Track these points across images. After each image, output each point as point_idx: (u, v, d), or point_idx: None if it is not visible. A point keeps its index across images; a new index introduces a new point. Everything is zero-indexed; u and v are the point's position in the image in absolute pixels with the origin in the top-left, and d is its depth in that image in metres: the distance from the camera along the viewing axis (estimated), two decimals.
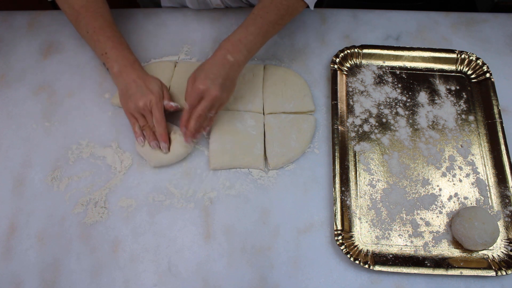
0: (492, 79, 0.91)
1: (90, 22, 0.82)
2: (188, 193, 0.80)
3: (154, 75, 0.90)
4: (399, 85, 0.92)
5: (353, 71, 0.93)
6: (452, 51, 0.94)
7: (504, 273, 0.72)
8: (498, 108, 0.88)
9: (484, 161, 0.84)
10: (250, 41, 0.78)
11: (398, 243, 0.76)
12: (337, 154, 0.82)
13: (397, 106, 0.89)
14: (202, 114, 0.76)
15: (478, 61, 0.93)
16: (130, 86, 0.79)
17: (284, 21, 0.82)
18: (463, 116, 0.89)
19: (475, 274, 0.72)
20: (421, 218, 0.78)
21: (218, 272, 0.74)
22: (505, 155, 0.83)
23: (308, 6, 0.83)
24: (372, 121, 0.87)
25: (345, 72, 0.93)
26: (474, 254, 0.75)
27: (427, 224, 0.78)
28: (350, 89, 0.91)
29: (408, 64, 0.94)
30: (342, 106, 0.88)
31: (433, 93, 0.91)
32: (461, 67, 0.94)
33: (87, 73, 0.93)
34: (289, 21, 0.84)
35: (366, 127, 0.87)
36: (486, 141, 0.86)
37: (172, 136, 0.81)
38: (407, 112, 0.89)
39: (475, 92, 0.91)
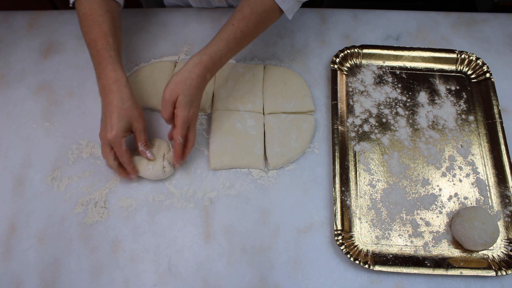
0: (492, 79, 0.91)
1: (86, 32, 0.78)
2: (188, 193, 0.80)
3: (154, 75, 0.90)
4: (399, 85, 0.92)
5: (353, 71, 0.93)
6: (452, 51, 0.94)
7: (504, 273, 0.72)
8: (498, 108, 0.88)
9: (484, 161, 0.84)
10: (227, 57, 0.78)
11: (398, 243, 0.76)
12: (337, 154, 0.82)
13: (397, 106, 0.89)
14: (181, 140, 0.76)
15: (478, 61, 0.93)
16: (103, 110, 0.75)
17: (259, 32, 0.81)
18: (463, 116, 0.89)
19: (475, 274, 0.72)
20: (421, 218, 0.78)
21: (218, 272, 0.74)
22: (505, 155, 0.83)
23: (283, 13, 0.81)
24: (372, 121, 0.87)
25: (345, 72, 0.93)
26: (474, 254, 0.75)
27: (427, 224, 0.78)
28: (350, 89, 0.91)
29: (408, 64, 0.94)
30: (342, 106, 0.88)
31: (433, 93, 0.91)
32: (461, 67, 0.94)
33: (87, 73, 0.93)
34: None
35: (366, 127, 0.87)
36: (486, 141, 0.86)
37: (160, 154, 0.80)
38: (407, 112, 0.89)
39: (475, 92, 0.91)
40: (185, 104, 0.73)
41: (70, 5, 0.81)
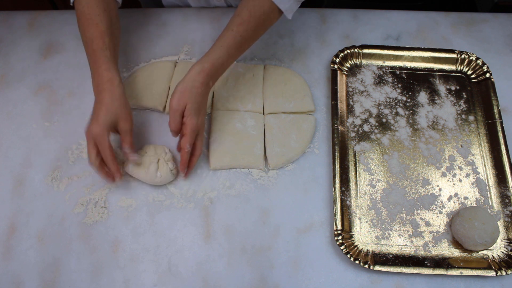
0: (492, 79, 0.91)
1: (84, 31, 0.78)
2: (188, 193, 0.80)
3: (154, 75, 0.90)
4: (399, 85, 0.92)
5: (353, 71, 0.93)
6: (452, 51, 0.94)
7: (504, 273, 0.72)
8: (498, 108, 0.88)
9: (484, 161, 0.84)
10: (229, 63, 0.78)
11: (398, 243, 0.76)
12: (337, 154, 0.82)
13: (397, 106, 0.89)
14: (190, 148, 0.76)
15: (478, 61, 0.93)
16: (93, 108, 0.75)
17: (259, 35, 0.81)
18: (463, 116, 0.89)
19: (475, 274, 0.72)
20: (421, 218, 0.78)
21: (218, 272, 0.74)
22: (505, 155, 0.83)
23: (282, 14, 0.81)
24: (372, 121, 0.87)
25: (345, 72, 0.93)
26: (474, 254, 0.75)
27: (427, 224, 0.78)
28: (350, 89, 0.91)
29: (408, 64, 0.94)
30: (342, 106, 0.88)
31: (433, 93, 0.91)
32: (461, 67, 0.94)
33: (87, 73, 0.91)
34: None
35: (366, 127, 0.87)
36: (486, 141, 0.86)
37: (161, 160, 0.80)
38: (407, 112, 0.89)
39: (475, 92, 0.91)
40: (193, 113, 0.73)
41: (71, 4, 0.81)
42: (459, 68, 0.94)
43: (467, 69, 0.94)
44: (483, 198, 0.80)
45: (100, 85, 0.75)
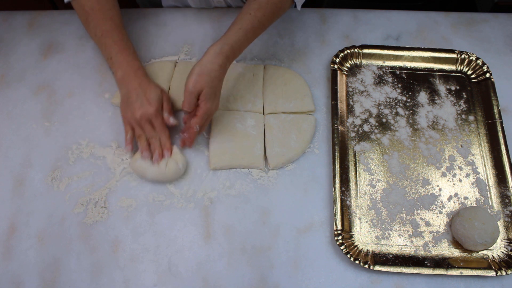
0: (492, 79, 0.91)
1: (98, 24, 0.81)
2: (188, 193, 0.80)
3: (154, 75, 0.90)
4: (399, 85, 0.92)
5: (353, 71, 0.93)
6: (452, 51, 0.94)
7: (504, 273, 0.72)
8: (498, 108, 0.88)
9: (484, 161, 0.84)
10: (245, 46, 0.78)
11: (398, 243, 0.76)
12: (337, 154, 0.82)
13: (397, 106, 0.89)
14: (198, 129, 0.77)
15: (478, 61, 0.93)
16: (130, 94, 0.78)
17: (273, 21, 0.82)
18: (463, 116, 0.89)
19: (475, 274, 0.72)
20: (421, 218, 0.78)
21: (218, 272, 0.74)
22: (505, 155, 0.83)
23: (295, 6, 0.83)
24: (372, 121, 0.87)
25: (345, 72, 0.93)
26: (474, 254, 0.75)
27: (427, 224, 0.78)
28: (350, 89, 0.91)
29: (408, 64, 0.94)
30: (342, 106, 0.88)
31: (433, 93, 0.91)
32: (461, 67, 0.94)
33: (87, 73, 0.93)
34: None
35: (366, 127, 0.87)
36: (486, 141, 0.86)
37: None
38: (407, 112, 0.89)
39: (475, 92, 0.91)
40: (209, 97, 0.74)
41: (65, 2, 0.82)
42: (459, 68, 0.94)
43: (467, 69, 0.94)
44: (483, 198, 0.80)
45: (131, 73, 0.79)
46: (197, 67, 0.73)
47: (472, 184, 0.82)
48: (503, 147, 0.84)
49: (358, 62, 0.94)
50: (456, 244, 0.76)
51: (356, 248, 0.75)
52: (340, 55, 0.92)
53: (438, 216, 0.79)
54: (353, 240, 0.76)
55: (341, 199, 0.78)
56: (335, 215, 0.76)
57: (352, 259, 0.72)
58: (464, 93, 0.91)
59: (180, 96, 0.87)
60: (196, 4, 1.00)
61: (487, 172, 0.83)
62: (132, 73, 0.79)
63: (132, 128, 0.79)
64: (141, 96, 0.78)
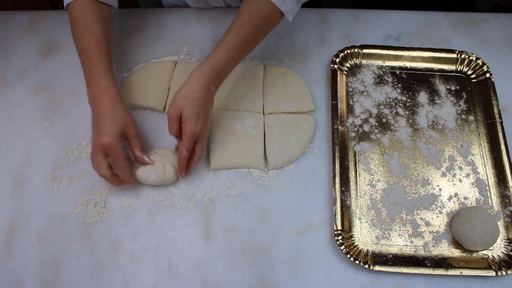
0: (492, 79, 0.91)
1: (79, 38, 0.77)
2: (188, 193, 0.80)
3: (154, 75, 0.90)
4: (399, 85, 0.92)
5: (353, 71, 0.93)
6: (452, 51, 0.94)
7: (504, 273, 0.72)
8: (498, 108, 0.88)
9: (484, 161, 0.84)
10: (230, 66, 0.77)
11: (398, 243, 0.76)
12: (337, 154, 0.82)
13: (397, 106, 0.89)
14: (187, 154, 0.75)
15: (478, 61, 0.93)
16: (95, 119, 0.74)
17: (261, 37, 0.81)
18: (463, 116, 0.89)
19: (475, 274, 0.72)
20: (421, 218, 0.78)
21: (218, 272, 0.74)
22: (505, 155, 0.83)
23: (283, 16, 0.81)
24: (372, 121, 0.87)
25: (345, 72, 0.93)
26: (474, 254, 0.75)
27: (427, 224, 0.78)
28: (350, 89, 0.91)
29: (408, 64, 0.94)
30: (342, 106, 0.88)
31: (433, 93, 0.91)
32: (461, 67, 0.94)
33: None
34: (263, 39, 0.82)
35: (366, 127, 0.87)
36: (486, 141, 0.86)
37: (166, 161, 0.80)
38: (407, 112, 0.89)
39: (475, 92, 0.91)
40: (190, 118, 0.72)
41: (65, 8, 0.81)
42: (459, 68, 0.94)
43: (467, 69, 0.94)
44: (483, 198, 0.80)
45: (98, 95, 0.74)
46: (178, 91, 0.73)
47: (472, 184, 0.82)
48: (503, 147, 0.84)
49: (358, 62, 0.94)
50: (456, 244, 0.76)
51: (356, 248, 0.75)
52: (340, 55, 0.92)
53: (438, 216, 0.79)
54: (353, 240, 0.76)
55: (341, 199, 0.78)
56: (335, 215, 0.76)
57: (352, 259, 0.72)
58: (464, 93, 0.91)
59: None
60: (194, 4, 1.00)
61: (487, 172, 0.83)
62: (98, 95, 0.74)
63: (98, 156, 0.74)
64: (101, 124, 0.73)
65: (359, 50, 0.94)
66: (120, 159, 0.73)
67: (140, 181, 0.79)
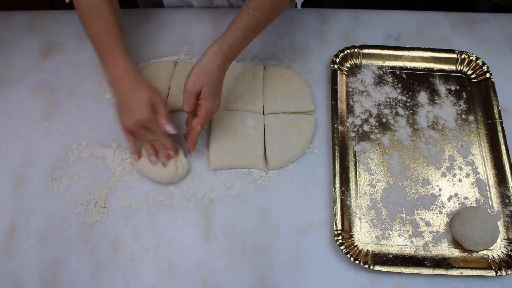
0: (492, 79, 0.91)
1: (90, 25, 0.78)
2: (188, 193, 0.80)
3: (154, 75, 0.90)
4: (399, 85, 0.92)
5: (353, 71, 0.93)
6: (452, 51, 0.94)
7: (504, 273, 0.72)
8: (498, 108, 0.88)
9: (484, 161, 0.84)
10: (244, 46, 0.78)
11: (398, 243, 0.76)
12: (337, 154, 0.82)
13: (397, 106, 0.89)
14: (200, 129, 0.76)
15: (478, 61, 0.93)
16: (120, 101, 0.76)
17: (271, 20, 0.81)
18: (463, 116, 0.89)
19: (475, 274, 0.72)
20: (421, 218, 0.78)
21: (218, 272, 0.74)
22: (505, 155, 0.83)
23: (296, 5, 0.83)
24: (372, 121, 0.87)
25: (345, 72, 0.93)
26: (474, 254, 0.75)
27: (427, 224, 0.78)
28: (350, 89, 0.91)
29: (408, 64, 0.94)
30: (342, 106, 0.88)
31: (433, 93, 0.91)
32: (461, 67, 0.94)
33: (87, 73, 0.93)
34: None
35: (366, 127, 0.87)
36: (486, 141, 0.86)
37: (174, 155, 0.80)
38: (407, 112, 0.89)
39: (475, 92, 0.91)
40: (209, 96, 0.73)
41: (67, 1, 0.81)
42: (459, 68, 0.94)
43: (467, 69, 0.93)
44: (483, 198, 0.80)
45: (118, 76, 0.75)
46: (196, 67, 0.73)
47: (472, 184, 0.82)
48: (503, 147, 0.84)
49: (358, 62, 0.94)
50: (456, 244, 0.76)
51: (356, 248, 0.75)
52: (340, 55, 0.92)
53: (438, 216, 0.79)
54: (353, 240, 0.76)
55: (341, 199, 0.78)
56: (335, 215, 0.76)
57: (352, 259, 0.72)
58: (464, 93, 0.91)
59: (180, 96, 0.86)
60: (198, 3, 1.00)
61: (487, 172, 0.83)
62: (119, 76, 0.75)
63: (132, 135, 0.78)
64: (131, 103, 0.74)
65: (359, 50, 0.94)
66: (160, 128, 0.75)
67: (144, 175, 0.80)
